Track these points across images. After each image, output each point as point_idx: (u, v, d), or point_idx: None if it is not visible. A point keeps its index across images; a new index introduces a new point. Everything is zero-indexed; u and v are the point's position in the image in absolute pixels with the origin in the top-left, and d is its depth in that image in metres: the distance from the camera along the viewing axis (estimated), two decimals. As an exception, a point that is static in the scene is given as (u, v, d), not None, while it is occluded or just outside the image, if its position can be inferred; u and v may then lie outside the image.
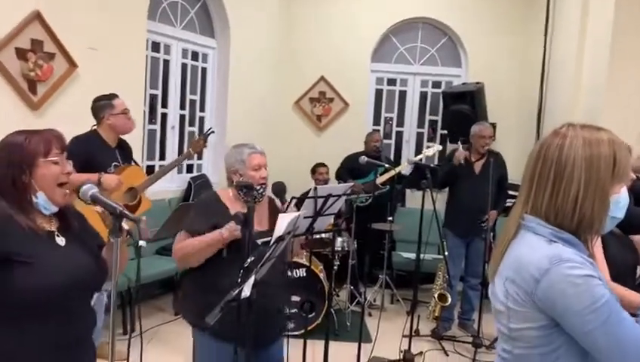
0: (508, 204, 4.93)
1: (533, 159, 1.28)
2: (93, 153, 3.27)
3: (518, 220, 1.30)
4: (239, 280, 1.60)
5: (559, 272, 1.17)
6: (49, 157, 1.58)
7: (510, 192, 4.76)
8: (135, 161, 3.64)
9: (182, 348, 3.71)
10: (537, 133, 5.70)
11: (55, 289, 1.53)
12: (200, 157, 5.80)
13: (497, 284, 1.32)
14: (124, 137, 3.58)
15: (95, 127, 3.43)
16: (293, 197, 2.34)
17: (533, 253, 1.22)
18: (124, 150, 3.54)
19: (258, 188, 2.28)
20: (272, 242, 1.74)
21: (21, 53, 3.64)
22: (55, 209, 1.62)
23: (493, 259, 1.36)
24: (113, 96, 3.44)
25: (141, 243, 1.51)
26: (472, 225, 4.43)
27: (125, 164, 3.46)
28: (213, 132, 3.94)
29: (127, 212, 1.51)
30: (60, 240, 1.62)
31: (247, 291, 1.60)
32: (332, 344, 3.04)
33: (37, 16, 3.70)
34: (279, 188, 2.42)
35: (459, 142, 4.64)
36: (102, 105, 3.41)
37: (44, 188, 1.57)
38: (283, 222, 1.76)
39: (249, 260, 1.69)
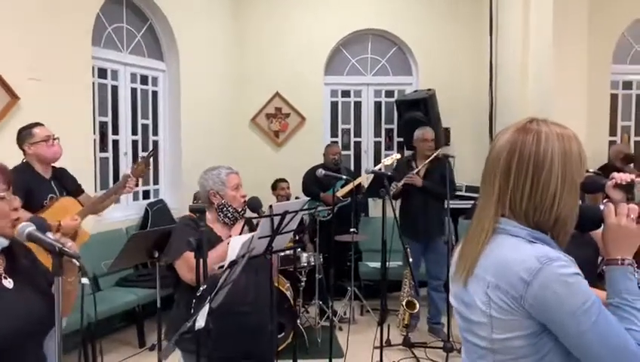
0: (467, 206, 5.00)
1: (505, 156, 1.19)
2: (30, 185, 3.11)
3: (493, 222, 1.20)
4: (192, 311, 1.53)
5: (551, 271, 1.10)
6: None
7: (470, 194, 4.82)
8: (81, 189, 3.50)
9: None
10: (490, 133, 5.81)
11: (4, 336, 1.44)
12: (156, 182, 5.67)
13: (475, 293, 1.20)
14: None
15: (25, 159, 3.26)
16: (245, 218, 2.31)
17: (518, 255, 1.15)
18: (60, 180, 3.37)
19: (239, 208, 2.38)
20: (224, 266, 1.68)
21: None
22: (6, 243, 1.53)
23: (461, 263, 1.25)
24: (34, 125, 3.27)
25: (84, 280, 1.44)
26: (424, 228, 4.54)
27: (61, 196, 3.29)
28: (153, 153, 3.80)
29: (66, 249, 1.43)
30: (8, 283, 1.53)
31: (201, 321, 1.53)
32: (302, 363, 2.99)
33: (-28, 49, 3.56)
34: (255, 204, 2.40)
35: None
36: (22, 135, 3.25)
37: None
38: (235, 246, 1.70)
39: (201, 288, 1.63)
